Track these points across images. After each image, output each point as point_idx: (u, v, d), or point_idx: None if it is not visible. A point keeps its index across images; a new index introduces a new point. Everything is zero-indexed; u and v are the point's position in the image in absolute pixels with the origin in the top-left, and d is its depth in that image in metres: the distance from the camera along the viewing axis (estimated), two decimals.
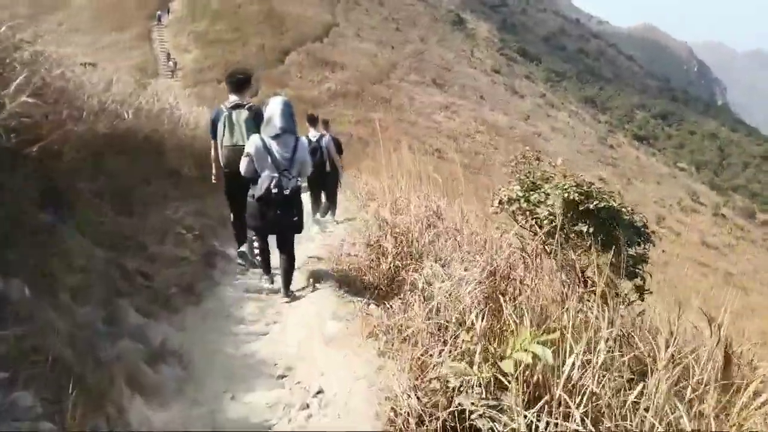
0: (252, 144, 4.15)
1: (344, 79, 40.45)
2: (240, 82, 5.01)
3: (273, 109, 4.15)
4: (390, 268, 4.54)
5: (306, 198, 9.28)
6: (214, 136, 5.02)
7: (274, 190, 4.04)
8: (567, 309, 2.61)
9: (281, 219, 4.19)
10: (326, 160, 8.00)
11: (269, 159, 4.09)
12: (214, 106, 5.74)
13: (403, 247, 4.58)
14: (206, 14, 43.05)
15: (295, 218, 4.26)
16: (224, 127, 4.89)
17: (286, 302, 4.40)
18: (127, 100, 5.76)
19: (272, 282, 4.81)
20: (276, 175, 4.09)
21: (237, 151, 4.60)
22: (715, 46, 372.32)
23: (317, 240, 7.44)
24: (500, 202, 3.65)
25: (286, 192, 4.08)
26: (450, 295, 2.95)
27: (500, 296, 2.75)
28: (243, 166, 4.20)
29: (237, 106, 4.90)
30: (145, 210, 4.77)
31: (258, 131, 4.32)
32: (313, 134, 7.96)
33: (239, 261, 5.40)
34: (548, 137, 49.12)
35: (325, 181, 8.24)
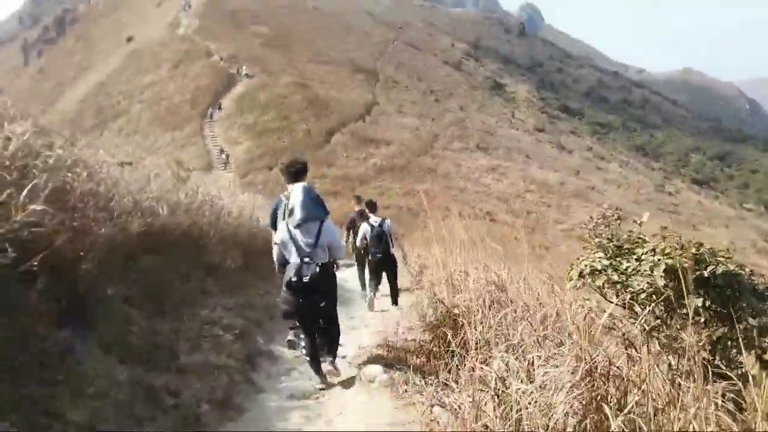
0: (279, 233, 4.29)
1: (389, 153, 40.93)
2: (297, 172, 5.08)
3: (294, 199, 4.25)
4: (452, 356, 3.96)
5: (354, 276, 8.89)
6: (274, 225, 5.09)
7: (294, 279, 4.05)
8: (700, 415, 1.94)
9: (304, 306, 4.18)
10: (391, 243, 8.08)
11: (294, 247, 4.17)
12: (263, 191, 5.78)
13: (464, 332, 3.99)
14: (254, 107, 45.16)
15: (322, 304, 4.21)
16: (284, 216, 4.92)
17: (333, 382, 4.28)
18: (164, 196, 5.57)
19: (322, 378, 4.41)
20: (298, 261, 4.10)
21: None
22: (759, 83, 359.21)
23: (371, 325, 6.94)
24: (581, 275, 3.01)
25: (305, 279, 4.05)
26: (536, 402, 2.31)
27: (603, 403, 2.11)
28: (274, 254, 4.37)
29: None
30: (180, 310, 4.40)
31: None
32: (374, 220, 8.10)
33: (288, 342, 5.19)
34: (602, 189, 47.62)
35: (391, 264, 8.21)
